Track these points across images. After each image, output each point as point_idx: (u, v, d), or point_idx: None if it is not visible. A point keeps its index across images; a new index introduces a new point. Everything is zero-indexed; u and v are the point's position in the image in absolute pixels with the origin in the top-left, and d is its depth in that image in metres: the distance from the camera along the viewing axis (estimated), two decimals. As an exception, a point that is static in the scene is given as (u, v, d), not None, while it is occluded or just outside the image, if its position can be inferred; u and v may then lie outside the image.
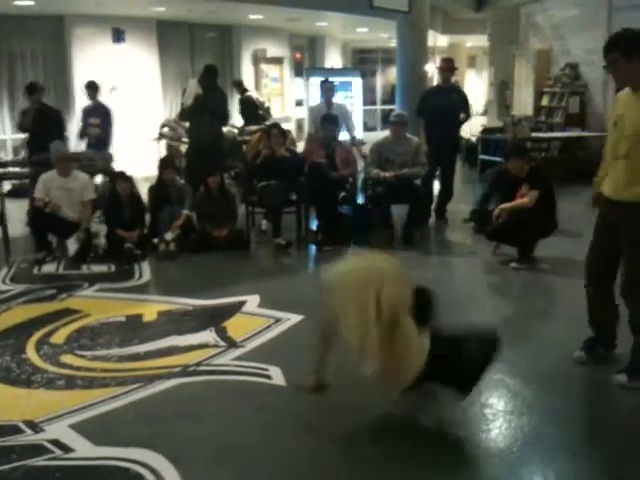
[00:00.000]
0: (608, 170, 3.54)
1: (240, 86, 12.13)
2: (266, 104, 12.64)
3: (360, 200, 7.49)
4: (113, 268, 6.08)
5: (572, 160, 10.80)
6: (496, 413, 3.29)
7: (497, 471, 2.85)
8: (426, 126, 7.62)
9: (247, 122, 11.52)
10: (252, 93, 12.47)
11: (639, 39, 3.28)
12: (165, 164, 6.92)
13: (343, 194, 7.04)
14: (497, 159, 9.66)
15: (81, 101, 11.25)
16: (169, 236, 6.40)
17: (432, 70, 14.91)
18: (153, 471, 2.80)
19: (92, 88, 8.98)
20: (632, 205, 3.35)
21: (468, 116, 7.87)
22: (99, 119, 8.76)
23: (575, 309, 4.42)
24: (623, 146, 3.39)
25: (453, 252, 6.84)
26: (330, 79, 8.61)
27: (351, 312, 3.02)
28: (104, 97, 11.00)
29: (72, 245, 6.43)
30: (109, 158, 8.67)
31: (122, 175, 6.68)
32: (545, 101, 12.50)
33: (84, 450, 2.99)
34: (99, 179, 8.67)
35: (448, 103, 7.53)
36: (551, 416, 3.27)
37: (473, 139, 12.54)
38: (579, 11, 11.65)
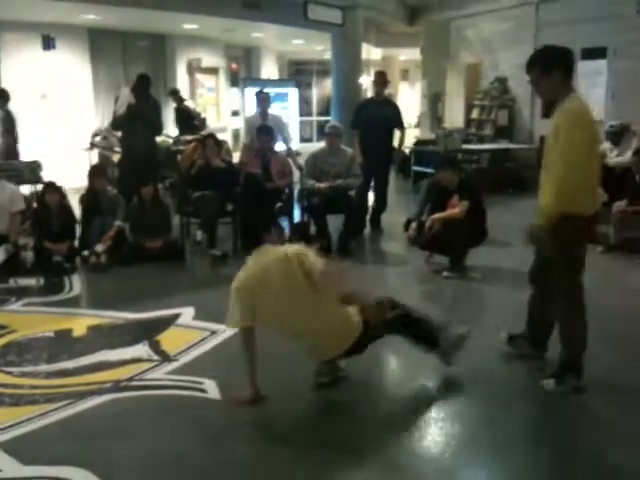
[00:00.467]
0: None
1: (177, 95, 12.00)
2: (202, 115, 12.54)
3: (296, 211, 7.52)
4: (42, 281, 5.91)
5: (501, 171, 11.14)
6: (428, 420, 3.36)
7: (431, 478, 2.91)
8: (360, 138, 7.72)
9: (182, 132, 11.42)
10: (188, 103, 12.37)
11: (556, 55, 3.51)
12: (96, 172, 6.77)
13: (279, 205, 7.07)
14: (430, 170, 9.86)
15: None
16: (100, 248, 6.27)
17: (366, 82, 15.12)
18: (83, 489, 2.74)
19: (3, 97, 8.73)
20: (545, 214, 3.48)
21: (402, 129, 8.01)
22: (5, 128, 8.51)
23: (503, 316, 4.59)
24: (544, 160, 3.57)
25: (388, 262, 6.94)
26: (266, 90, 8.62)
27: (283, 294, 3.34)
28: (32, 105, 10.77)
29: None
30: (37, 168, 8.45)
31: (52, 185, 6.51)
32: (475, 114, 12.87)
33: (12, 470, 2.90)
34: (27, 189, 8.44)
35: (381, 115, 7.66)
36: (482, 421, 3.35)
37: (407, 151, 12.76)
38: (507, 26, 12.05)
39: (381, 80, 7.96)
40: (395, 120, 7.84)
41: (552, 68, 3.43)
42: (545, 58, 3.50)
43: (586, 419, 3.39)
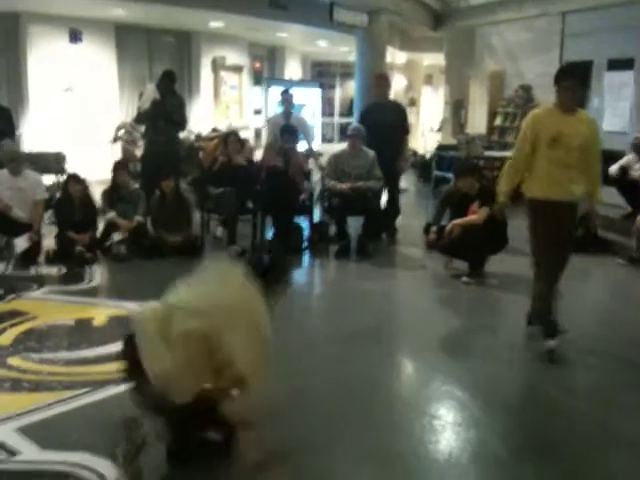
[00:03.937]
0: (556, 177, 4.19)
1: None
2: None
3: (317, 211, 7.55)
4: (63, 270, 5.99)
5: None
6: (445, 425, 3.34)
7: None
8: (368, 140, 7.66)
9: None
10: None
11: (584, 73, 4.07)
12: (119, 167, 6.85)
13: (302, 199, 7.11)
14: (451, 175, 9.83)
15: (36, 100, 11.11)
16: (117, 236, 6.45)
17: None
18: (100, 476, 2.76)
19: None
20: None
21: (407, 132, 7.79)
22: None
23: (519, 324, 4.56)
24: (572, 158, 4.10)
25: (406, 265, 6.92)
26: (290, 90, 8.64)
27: None
28: (57, 97, 10.87)
29: (21, 245, 6.31)
30: (61, 159, 8.54)
31: (74, 177, 6.58)
32: (499, 121, 12.84)
33: (30, 454, 2.93)
34: (51, 179, 8.53)
35: (387, 118, 7.45)
36: (498, 429, 3.34)
37: (428, 155, 12.77)
38: (532, 35, 12.01)
39: (382, 83, 7.89)
40: (401, 122, 7.64)
41: (584, 82, 3.96)
42: (581, 73, 4.32)
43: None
